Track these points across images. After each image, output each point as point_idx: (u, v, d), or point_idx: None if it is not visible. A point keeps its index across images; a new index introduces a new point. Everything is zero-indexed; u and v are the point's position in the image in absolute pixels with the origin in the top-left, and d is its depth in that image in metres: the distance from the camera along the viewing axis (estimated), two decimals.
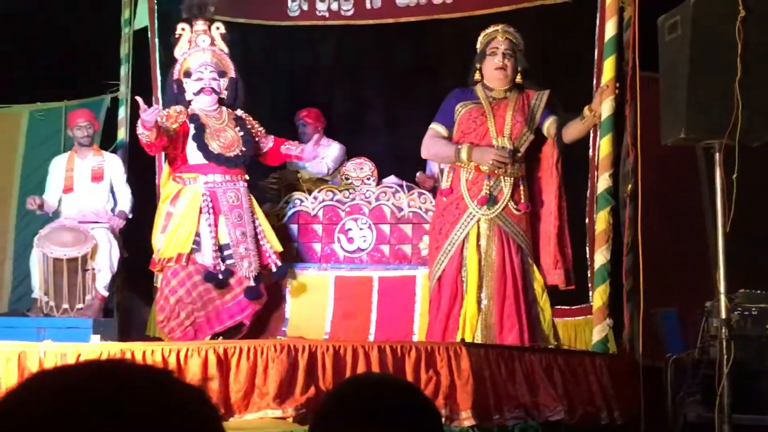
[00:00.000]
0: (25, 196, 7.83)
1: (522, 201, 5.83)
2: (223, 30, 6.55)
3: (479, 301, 5.69)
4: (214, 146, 6.25)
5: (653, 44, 4.95)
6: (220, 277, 6.14)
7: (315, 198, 6.66)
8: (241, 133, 6.38)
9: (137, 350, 4.75)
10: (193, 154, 6.25)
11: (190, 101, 6.36)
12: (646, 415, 4.93)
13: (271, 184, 7.12)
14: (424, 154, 6.40)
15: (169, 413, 0.94)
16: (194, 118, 6.29)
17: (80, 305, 6.84)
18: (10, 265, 8.10)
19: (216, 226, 6.21)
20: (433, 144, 6.06)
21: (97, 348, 4.95)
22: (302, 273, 6.44)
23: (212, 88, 6.36)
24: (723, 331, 4.58)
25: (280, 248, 6.35)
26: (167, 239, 6.15)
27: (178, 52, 6.44)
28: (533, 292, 5.77)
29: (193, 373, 4.55)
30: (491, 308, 5.68)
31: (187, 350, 4.68)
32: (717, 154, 4.66)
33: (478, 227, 5.76)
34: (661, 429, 5.03)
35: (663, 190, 6.82)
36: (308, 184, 6.98)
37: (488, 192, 5.76)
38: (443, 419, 4.15)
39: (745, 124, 4.50)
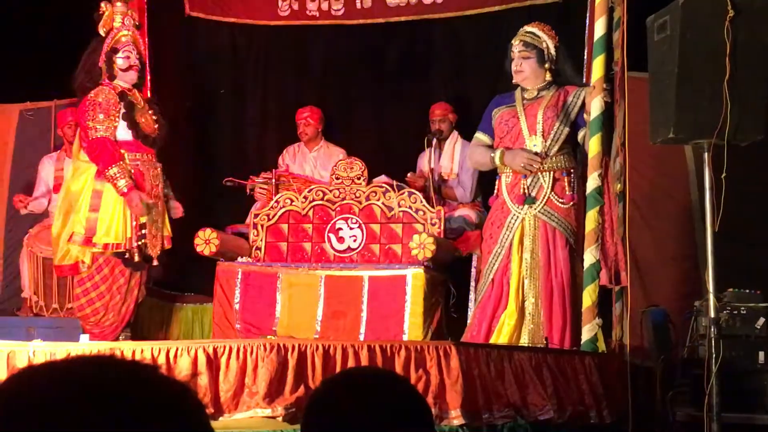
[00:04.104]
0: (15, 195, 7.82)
1: (567, 193, 5.83)
2: (136, 17, 6.64)
3: (522, 302, 5.72)
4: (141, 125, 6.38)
5: (642, 44, 4.97)
6: (136, 259, 6.32)
7: (305, 198, 6.65)
8: (155, 116, 6.51)
9: (126, 349, 4.74)
10: (121, 131, 6.30)
11: (114, 76, 6.40)
12: (635, 414, 4.94)
13: (261, 183, 7.11)
14: (468, 164, 6.59)
15: (154, 407, 0.94)
16: (124, 95, 6.36)
17: (70, 305, 6.83)
18: None
19: None
20: (473, 152, 6.21)
21: (86, 348, 4.94)
22: (292, 272, 6.44)
23: (139, 66, 6.46)
24: (712, 330, 4.59)
25: (169, 232, 6.55)
26: (106, 222, 6.20)
27: (103, 29, 6.46)
28: (580, 289, 5.74)
29: (182, 372, 4.54)
30: (539, 307, 5.70)
31: (177, 349, 4.68)
32: (706, 154, 4.67)
33: (523, 227, 5.79)
34: (650, 428, 5.05)
35: (652, 190, 6.85)
36: (298, 183, 6.98)
37: (524, 191, 5.80)
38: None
39: (734, 124, 4.51)
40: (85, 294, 6.25)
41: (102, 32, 6.45)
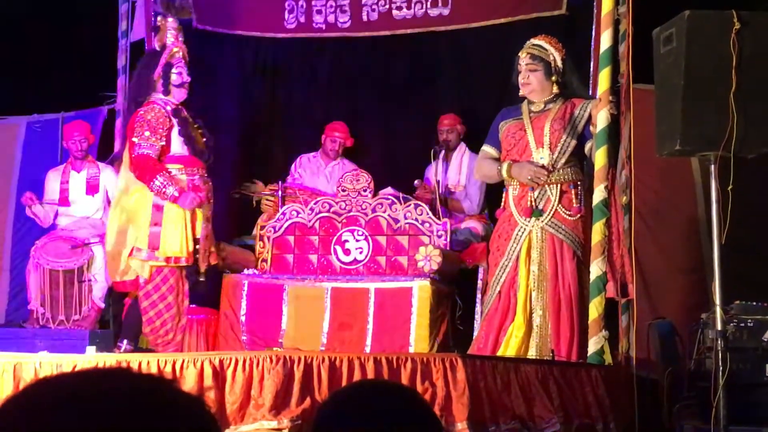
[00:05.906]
0: (22, 207, 7.84)
1: (574, 205, 5.83)
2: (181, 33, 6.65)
3: (530, 315, 5.72)
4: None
5: (648, 56, 4.97)
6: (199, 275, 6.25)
7: (311, 210, 6.66)
8: (201, 131, 6.42)
9: (133, 361, 4.75)
10: (177, 146, 6.23)
11: (169, 91, 6.35)
12: (642, 426, 4.93)
13: (267, 195, 7.13)
14: (475, 176, 6.58)
15: (171, 420, 0.95)
16: (177, 111, 6.30)
17: (76, 317, 6.84)
18: (6, 277, 8.10)
19: (194, 220, 6.20)
20: (480, 165, 6.20)
21: (93, 359, 4.94)
22: (299, 284, 6.44)
23: (188, 82, 6.42)
24: (719, 342, 4.58)
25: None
26: (170, 235, 6.11)
27: (158, 44, 6.46)
28: (587, 301, 5.62)
29: (189, 385, 4.55)
30: (547, 319, 5.69)
31: (183, 361, 4.68)
32: (712, 166, 4.67)
33: (530, 239, 5.79)
34: None
35: (658, 202, 6.85)
36: (305, 195, 6.99)
37: (531, 204, 5.79)
38: None
39: (741, 136, 4.51)
40: (152, 307, 6.12)
41: (158, 46, 6.46)
